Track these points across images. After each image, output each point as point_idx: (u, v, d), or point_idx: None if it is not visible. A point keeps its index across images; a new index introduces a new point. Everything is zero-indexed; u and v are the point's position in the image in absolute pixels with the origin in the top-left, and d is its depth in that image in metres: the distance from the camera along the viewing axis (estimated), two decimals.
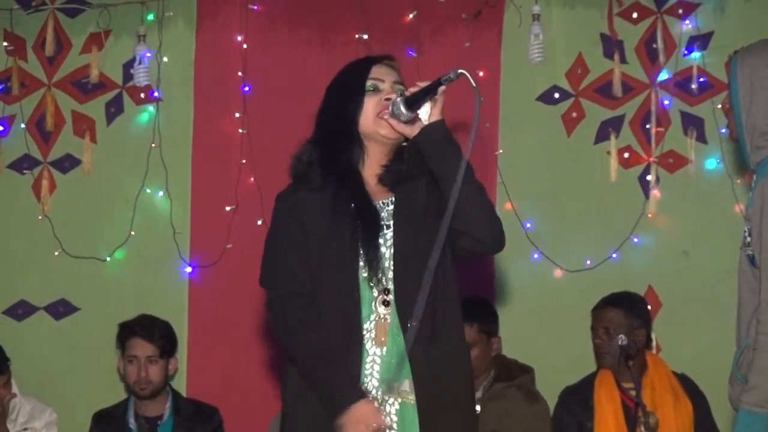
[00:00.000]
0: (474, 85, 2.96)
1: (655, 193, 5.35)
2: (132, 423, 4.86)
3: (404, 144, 3.18)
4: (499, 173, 5.43)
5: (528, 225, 5.41)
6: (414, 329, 2.91)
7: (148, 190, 5.72)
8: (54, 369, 5.71)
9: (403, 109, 3.03)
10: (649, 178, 5.36)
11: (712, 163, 5.33)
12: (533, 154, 5.50)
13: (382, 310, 3.03)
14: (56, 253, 5.75)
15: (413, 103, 3.02)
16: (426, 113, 3.03)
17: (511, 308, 5.40)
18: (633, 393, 4.49)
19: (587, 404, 4.68)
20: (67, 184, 5.84)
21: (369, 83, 3.16)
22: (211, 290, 5.61)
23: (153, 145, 5.70)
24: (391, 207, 3.12)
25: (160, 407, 4.88)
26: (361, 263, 3.04)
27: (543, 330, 5.36)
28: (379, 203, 3.12)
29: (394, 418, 2.99)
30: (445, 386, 3.01)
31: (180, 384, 5.37)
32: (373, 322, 3.03)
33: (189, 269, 5.66)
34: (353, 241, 3.04)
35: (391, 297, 3.03)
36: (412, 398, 2.98)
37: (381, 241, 3.07)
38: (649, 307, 5.04)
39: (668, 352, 5.04)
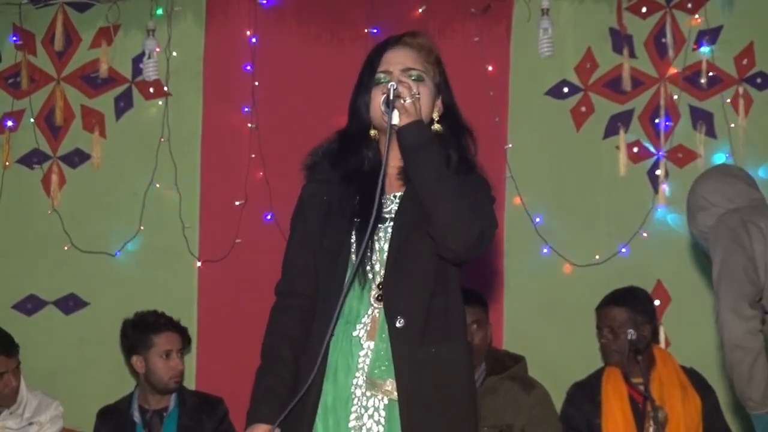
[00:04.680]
0: (391, 98, 2.86)
1: (664, 187, 5.35)
2: (136, 417, 4.85)
3: None
4: (508, 167, 5.43)
5: (537, 219, 5.41)
6: (402, 328, 2.89)
7: (158, 185, 5.72)
8: (63, 363, 5.72)
9: (387, 109, 2.92)
10: (658, 172, 5.36)
11: (721, 158, 5.32)
12: (542, 149, 5.50)
13: (376, 304, 2.97)
14: (66, 248, 5.76)
15: (388, 105, 2.91)
16: (396, 117, 2.91)
17: (520, 303, 5.41)
18: (641, 388, 4.49)
19: (595, 400, 4.68)
20: (76, 178, 5.85)
21: (378, 75, 3.04)
22: (220, 285, 5.61)
23: (162, 139, 5.71)
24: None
25: (166, 399, 4.85)
26: (354, 257, 2.97)
27: (552, 324, 5.36)
28: (390, 196, 3.06)
29: (383, 413, 2.92)
30: (432, 389, 2.90)
31: (189, 377, 5.37)
32: (369, 316, 2.97)
33: (198, 264, 5.67)
34: (348, 234, 3.00)
35: (381, 291, 2.97)
36: (395, 396, 2.90)
37: (381, 234, 3.01)
38: (657, 302, 5.06)
39: (677, 347, 5.04)
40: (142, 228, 5.72)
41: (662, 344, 4.95)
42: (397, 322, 2.90)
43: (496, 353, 4.83)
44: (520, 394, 4.62)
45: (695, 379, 4.71)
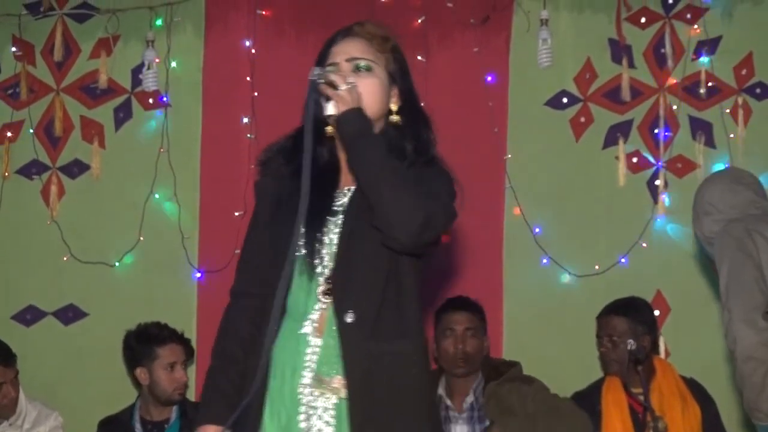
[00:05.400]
0: (311, 78, 2.88)
1: (663, 197, 5.34)
2: (138, 428, 4.84)
3: None
4: (507, 178, 5.43)
5: (537, 230, 5.41)
6: (352, 323, 2.81)
7: (157, 196, 5.72)
8: (62, 374, 5.71)
9: (323, 100, 2.89)
10: (657, 182, 5.36)
11: (720, 168, 5.31)
12: (542, 159, 5.50)
13: (324, 299, 2.88)
14: (65, 259, 5.76)
15: (321, 95, 2.89)
16: (331, 108, 2.88)
17: (519, 313, 5.39)
18: (641, 398, 4.48)
19: (595, 410, 4.67)
20: (75, 189, 5.85)
21: (326, 68, 2.96)
22: (220, 295, 5.51)
23: (161, 150, 5.71)
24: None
25: (168, 410, 4.85)
26: (304, 251, 2.90)
27: (552, 335, 5.35)
28: (345, 189, 2.99)
29: (332, 413, 2.83)
30: (384, 386, 2.81)
31: (189, 388, 5.35)
32: (317, 312, 2.89)
33: (197, 274, 5.66)
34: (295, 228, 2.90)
35: (330, 285, 2.88)
36: (343, 394, 2.81)
37: (332, 227, 2.92)
38: (656, 312, 5.05)
39: (677, 357, 5.04)
40: (141, 238, 5.71)
41: (662, 354, 4.95)
42: (347, 317, 2.82)
43: (492, 361, 4.85)
44: (523, 386, 4.63)
45: (695, 389, 4.71)
